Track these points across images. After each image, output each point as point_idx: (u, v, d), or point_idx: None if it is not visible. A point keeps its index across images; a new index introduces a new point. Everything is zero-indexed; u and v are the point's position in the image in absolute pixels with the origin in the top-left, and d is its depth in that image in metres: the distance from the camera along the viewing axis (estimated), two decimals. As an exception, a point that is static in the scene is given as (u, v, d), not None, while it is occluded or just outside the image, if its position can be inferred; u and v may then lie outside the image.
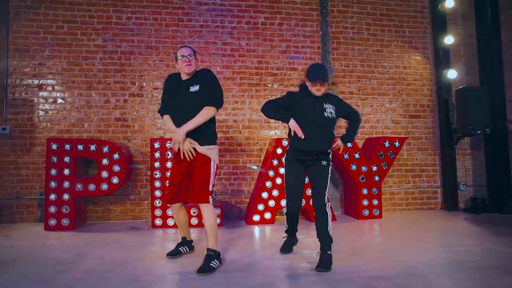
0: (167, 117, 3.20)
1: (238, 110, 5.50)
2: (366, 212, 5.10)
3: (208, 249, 3.02)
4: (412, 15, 6.04)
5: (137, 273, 2.91)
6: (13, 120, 5.05)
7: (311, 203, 4.80)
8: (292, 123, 3.08)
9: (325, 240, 3.04)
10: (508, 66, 6.00)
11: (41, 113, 5.12)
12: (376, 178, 5.17)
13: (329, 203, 3.12)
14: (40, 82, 5.15)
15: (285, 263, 3.16)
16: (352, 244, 3.78)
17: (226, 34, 5.57)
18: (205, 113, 3.03)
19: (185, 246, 3.39)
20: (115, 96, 5.25)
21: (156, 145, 4.74)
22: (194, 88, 3.07)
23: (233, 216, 5.36)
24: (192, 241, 3.50)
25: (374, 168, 5.16)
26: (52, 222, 4.49)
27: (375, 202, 5.15)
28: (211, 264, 2.92)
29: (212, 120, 3.15)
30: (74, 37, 5.25)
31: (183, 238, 3.43)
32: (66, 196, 4.52)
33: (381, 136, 5.43)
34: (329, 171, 3.19)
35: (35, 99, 5.12)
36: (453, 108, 5.70)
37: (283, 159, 3.38)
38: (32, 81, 5.13)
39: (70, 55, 5.22)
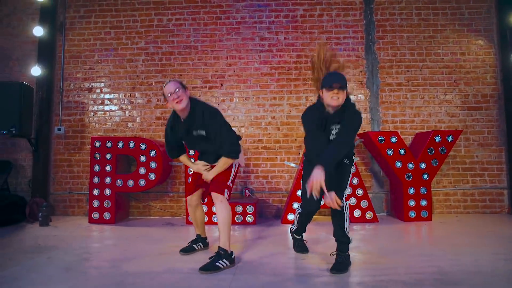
0: (183, 157, 3.27)
1: (277, 106, 5.37)
2: (413, 214, 4.63)
3: (219, 247, 2.87)
4: (471, -5, 5.39)
5: (149, 265, 2.92)
6: (67, 121, 5.48)
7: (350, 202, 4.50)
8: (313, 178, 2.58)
9: (341, 241, 2.79)
10: None
11: (91, 114, 5.49)
12: (425, 176, 4.67)
13: (348, 202, 2.86)
14: (90, 85, 5.52)
15: (302, 263, 2.96)
16: (386, 246, 3.43)
17: (264, 29, 5.48)
18: (224, 163, 2.99)
19: (200, 243, 3.34)
20: (156, 96, 5.44)
21: (191, 142, 4.80)
22: (199, 133, 2.96)
23: (271, 215, 5.23)
24: (206, 238, 3.44)
25: (423, 166, 4.66)
26: (95, 215, 4.76)
27: (424, 203, 4.65)
28: (217, 263, 2.76)
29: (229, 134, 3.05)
30: (120, 42, 5.55)
31: (198, 235, 3.39)
32: (107, 191, 4.77)
33: (431, 130, 4.90)
34: (351, 170, 2.91)
35: (86, 101, 5.51)
36: (523, 97, 4.97)
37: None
38: (83, 85, 5.53)
39: (116, 59, 5.53)
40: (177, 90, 2.84)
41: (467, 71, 5.31)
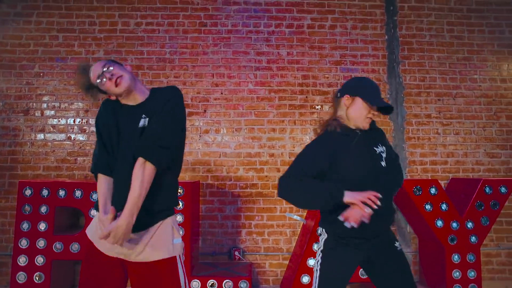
0: (102, 179, 1.74)
1: (276, 141, 4.16)
2: (460, 289, 3.52)
3: None
4: (513, 10, 4.48)
5: None
6: (-8, 153, 4.03)
7: None
8: (352, 197, 1.72)
9: None
10: None
11: (26, 144, 4.06)
12: (473, 239, 3.58)
13: None
14: (27, 106, 4.11)
15: None
16: None
17: (261, 41, 4.30)
18: (141, 176, 1.62)
19: None
20: (117, 123, 4.10)
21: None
22: (143, 122, 1.70)
23: (267, 284, 3.96)
24: None
25: (470, 225, 3.58)
26: (21, 295, 3.33)
27: (472, 274, 3.54)
28: None
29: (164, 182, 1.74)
30: (70, 50, 4.19)
31: None
32: (40, 259, 3.34)
33: (479, 178, 3.85)
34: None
35: (20, 126, 4.08)
36: None
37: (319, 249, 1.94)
38: (17, 104, 4.10)
39: (63, 72, 4.16)
40: (107, 68, 1.67)
41: (509, 101, 4.34)
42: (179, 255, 1.72)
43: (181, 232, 1.76)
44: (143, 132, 1.67)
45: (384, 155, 1.91)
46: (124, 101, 1.75)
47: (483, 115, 4.32)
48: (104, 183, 1.71)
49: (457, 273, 3.55)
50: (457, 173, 4.20)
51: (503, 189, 3.64)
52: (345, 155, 1.83)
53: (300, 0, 4.34)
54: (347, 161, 1.82)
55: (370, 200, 1.66)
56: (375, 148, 1.90)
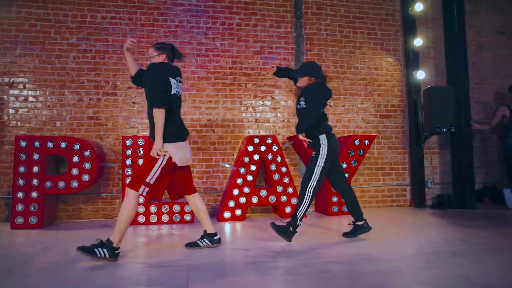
0: None
1: (212, 110, 5.56)
2: (336, 209, 5.20)
3: (108, 239, 2.93)
4: (383, 18, 6.21)
5: (101, 263, 2.92)
6: (-17, 118, 5.01)
7: (281, 200, 4.92)
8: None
9: (292, 216, 3.57)
10: (474, 68, 6.25)
11: (11, 111, 5.09)
12: (346, 175, 5.27)
13: (310, 191, 3.49)
14: (11, 80, 5.12)
15: (249, 253, 3.21)
16: (317, 236, 3.86)
17: (201, 35, 5.64)
18: (154, 116, 2.99)
19: (205, 240, 3.33)
20: (88, 95, 5.25)
21: (128, 142, 4.75)
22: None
23: (206, 214, 5.39)
24: (215, 233, 3.35)
25: (344, 166, 5.26)
26: (19, 220, 4.45)
27: (346, 199, 5.25)
28: (95, 249, 2.89)
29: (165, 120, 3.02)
30: (47, 36, 5.25)
31: (204, 231, 3.38)
32: (34, 194, 4.49)
33: (351, 134, 5.56)
34: (317, 162, 3.60)
35: (5, 97, 5.09)
36: (422, 108, 5.86)
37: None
38: (2, 79, 5.10)
39: (42, 54, 5.21)
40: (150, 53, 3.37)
41: (380, 84, 6.10)
42: (164, 157, 2.97)
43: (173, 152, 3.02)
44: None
45: (300, 101, 3.62)
46: None
47: (362, 93, 6.05)
48: None
49: (335, 198, 5.23)
50: (343, 133, 5.88)
51: (366, 141, 5.36)
52: None
53: (231, 4, 5.73)
54: None
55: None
56: (299, 98, 3.65)
